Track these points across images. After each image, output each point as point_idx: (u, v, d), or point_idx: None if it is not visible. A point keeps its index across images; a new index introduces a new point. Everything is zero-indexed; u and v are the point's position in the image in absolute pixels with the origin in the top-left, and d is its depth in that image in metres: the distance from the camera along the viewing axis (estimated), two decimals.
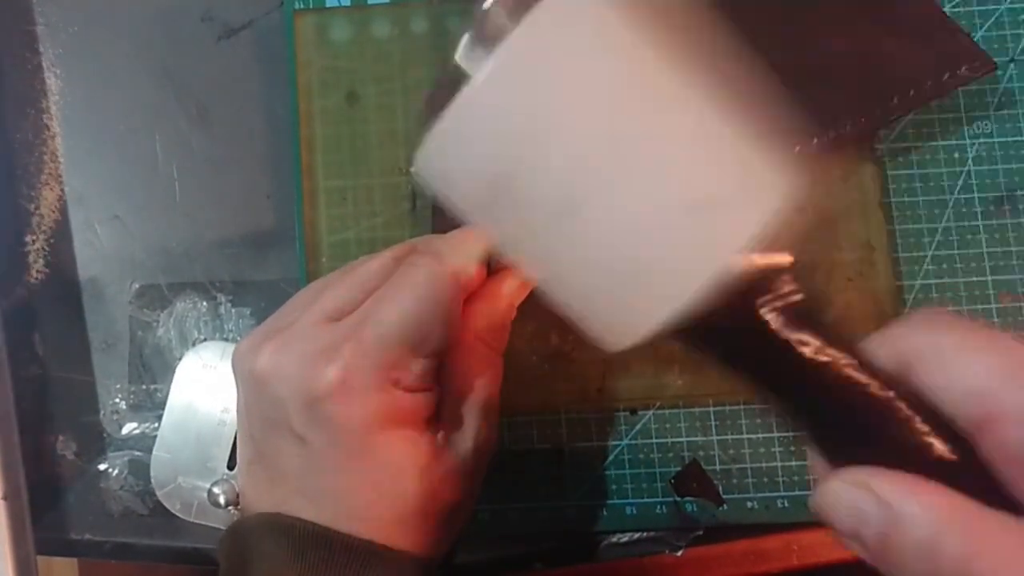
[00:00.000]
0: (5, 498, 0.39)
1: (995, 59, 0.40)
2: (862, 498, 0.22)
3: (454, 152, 0.26)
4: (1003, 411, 0.21)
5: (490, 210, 0.26)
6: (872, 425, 0.23)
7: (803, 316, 0.24)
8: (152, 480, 0.41)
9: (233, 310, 0.43)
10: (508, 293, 0.33)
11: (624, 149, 0.24)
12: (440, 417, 0.31)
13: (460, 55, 0.25)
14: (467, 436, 0.31)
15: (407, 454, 0.30)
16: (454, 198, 0.27)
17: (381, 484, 0.30)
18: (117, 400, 0.43)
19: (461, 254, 0.31)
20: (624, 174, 0.24)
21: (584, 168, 0.24)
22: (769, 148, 0.24)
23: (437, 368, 0.31)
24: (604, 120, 0.24)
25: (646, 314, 0.24)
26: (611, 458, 0.40)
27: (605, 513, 0.40)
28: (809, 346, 0.23)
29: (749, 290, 0.24)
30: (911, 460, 0.22)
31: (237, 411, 0.33)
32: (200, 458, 0.41)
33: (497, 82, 0.24)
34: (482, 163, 0.25)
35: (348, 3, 0.43)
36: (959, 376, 0.22)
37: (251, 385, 0.31)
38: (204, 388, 0.42)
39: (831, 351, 0.23)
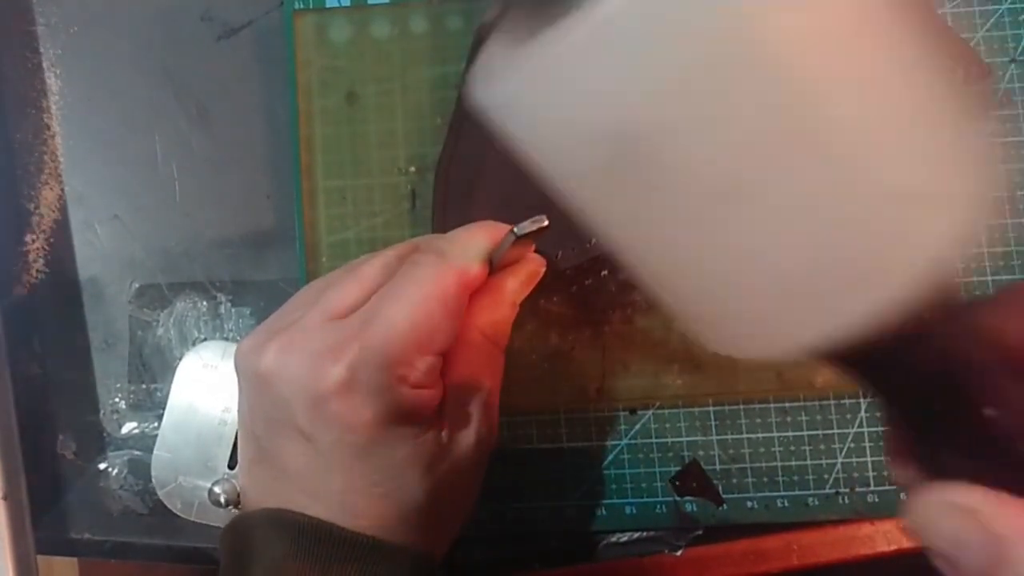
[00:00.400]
0: (5, 498, 0.39)
1: (995, 59, 0.40)
2: (968, 528, 0.20)
3: (561, 90, 0.19)
4: None
5: (594, 175, 0.20)
6: (984, 439, 0.20)
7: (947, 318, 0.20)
8: (153, 479, 0.41)
9: (233, 310, 0.43)
10: (511, 290, 0.33)
11: (825, 121, 0.18)
12: (443, 414, 0.31)
13: None
14: (470, 433, 0.32)
15: (412, 451, 0.30)
16: (536, 148, 0.21)
17: (386, 481, 0.30)
18: (117, 400, 0.43)
19: (464, 252, 0.31)
20: (820, 152, 0.18)
21: (766, 141, 0.18)
22: (974, 135, 0.20)
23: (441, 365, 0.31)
24: (803, 80, 0.18)
25: (815, 320, 0.19)
26: (611, 458, 0.40)
27: (605, 513, 0.40)
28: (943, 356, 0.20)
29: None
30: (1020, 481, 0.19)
31: (239, 410, 0.33)
32: (201, 457, 0.41)
33: (649, 7, 0.17)
34: (602, 115, 0.19)
35: (348, 3, 0.43)
36: None
37: (255, 385, 0.31)
38: (205, 388, 0.42)
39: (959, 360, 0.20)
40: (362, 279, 0.31)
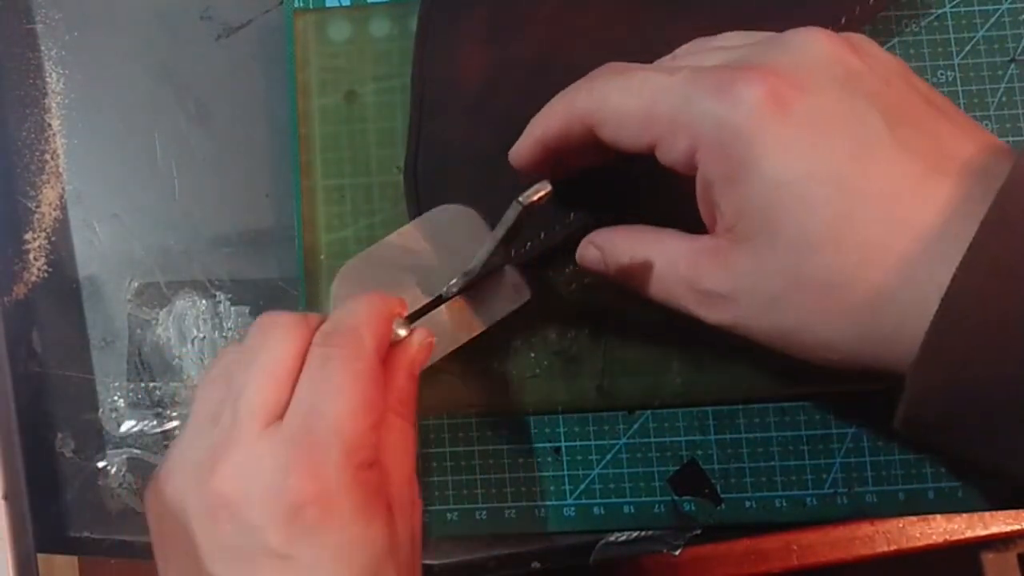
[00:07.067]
0: (6, 497, 0.39)
1: (995, 59, 0.40)
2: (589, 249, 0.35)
3: None
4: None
5: None
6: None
7: None
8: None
9: (232, 308, 0.43)
10: (409, 362, 0.33)
11: None
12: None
13: None
14: (409, 513, 0.31)
15: (388, 541, 0.30)
16: None
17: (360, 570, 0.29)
18: (116, 398, 0.43)
19: (380, 330, 0.32)
20: None
21: None
22: None
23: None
24: None
25: None
26: (609, 457, 0.40)
27: (603, 512, 0.40)
28: None
29: None
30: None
31: (169, 555, 0.31)
32: None
33: None
34: None
35: (348, 2, 0.43)
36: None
37: (209, 518, 0.29)
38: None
39: None
40: (275, 374, 0.31)
